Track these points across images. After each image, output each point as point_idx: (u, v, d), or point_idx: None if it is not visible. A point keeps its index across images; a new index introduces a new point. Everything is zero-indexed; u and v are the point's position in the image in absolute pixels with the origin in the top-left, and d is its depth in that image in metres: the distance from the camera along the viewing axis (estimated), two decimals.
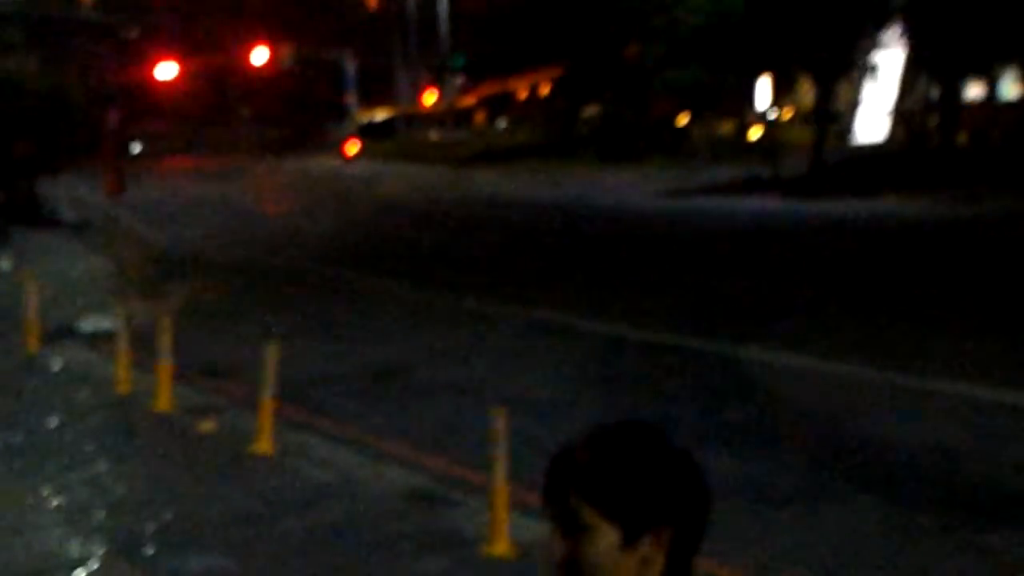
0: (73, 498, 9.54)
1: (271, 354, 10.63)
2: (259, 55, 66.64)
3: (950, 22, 38.49)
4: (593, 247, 27.03)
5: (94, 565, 8.16)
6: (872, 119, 52.08)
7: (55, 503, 9.45)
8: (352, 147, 70.23)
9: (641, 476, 2.23)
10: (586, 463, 2.24)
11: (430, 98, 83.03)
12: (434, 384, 13.52)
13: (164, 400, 12.32)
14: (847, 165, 41.88)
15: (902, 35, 43.62)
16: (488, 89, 77.28)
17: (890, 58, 48.31)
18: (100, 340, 15.93)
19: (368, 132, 76.79)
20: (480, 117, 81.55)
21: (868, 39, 44.32)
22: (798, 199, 35.29)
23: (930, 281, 20.14)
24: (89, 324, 17.22)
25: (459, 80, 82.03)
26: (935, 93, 45.38)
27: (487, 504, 8.28)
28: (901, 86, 50.68)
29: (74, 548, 8.46)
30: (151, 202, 41.83)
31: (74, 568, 8.10)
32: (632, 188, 41.61)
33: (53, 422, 11.97)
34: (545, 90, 70.81)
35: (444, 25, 79.97)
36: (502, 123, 78.64)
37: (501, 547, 8.07)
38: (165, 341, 12.36)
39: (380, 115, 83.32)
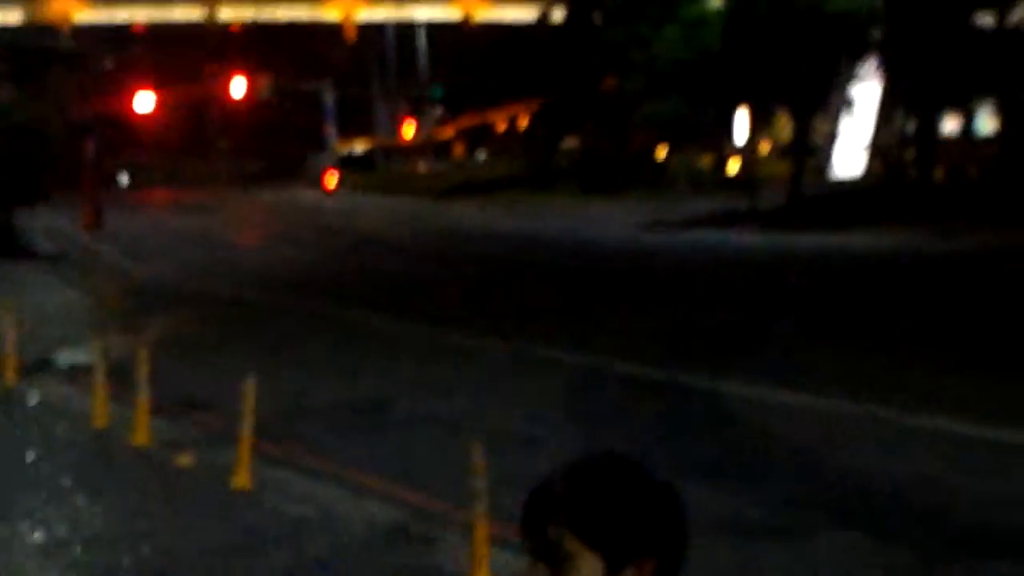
0: (50, 532, 9.46)
1: (249, 388, 10.58)
2: (238, 86, 66.59)
3: (926, 56, 38.77)
4: (573, 280, 27.04)
5: None
6: (849, 153, 52.37)
7: (32, 537, 9.37)
8: (331, 179, 70.27)
9: (624, 506, 2.21)
10: (567, 493, 2.22)
11: (409, 130, 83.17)
12: (413, 417, 13.47)
13: (142, 434, 12.24)
14: (825, 199, 42.10)
15: (878, 68, 43.92)
16: (467, 121, 77.51)
17: (867, 92, 48.62)
18: (77, 373, 15.84)
19: (347, 164, 76.85)
20: (459, 149, 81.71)
21: (845, 73, 44.61)
22: (776, 232, 35.42)
23: (908, 315, 20.20)
24: (66, 357, 17.13)
25: (438, 112, 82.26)
26: (912, 127, 45.66)
27: (467, 539, 8.24)
28: (878, 120, 51.00)
29: None
30: (132, 235, 41.72)
31: None
32: (612, 221, 41.70)
33: (30, 456, 11.88)
34: (524, 122, 71.03)
35: (423, 57, 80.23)
36: (482, 155, 78.80)
37: None
38: (143, 374, 12.30)
39: (359, 147, 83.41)
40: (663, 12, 44.48)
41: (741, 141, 58.25)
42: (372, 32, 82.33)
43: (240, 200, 62.16)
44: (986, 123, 48.47)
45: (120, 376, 13.76)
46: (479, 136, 78.98)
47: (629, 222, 40.22)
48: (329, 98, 77.56)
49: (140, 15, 77.50)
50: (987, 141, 47.37)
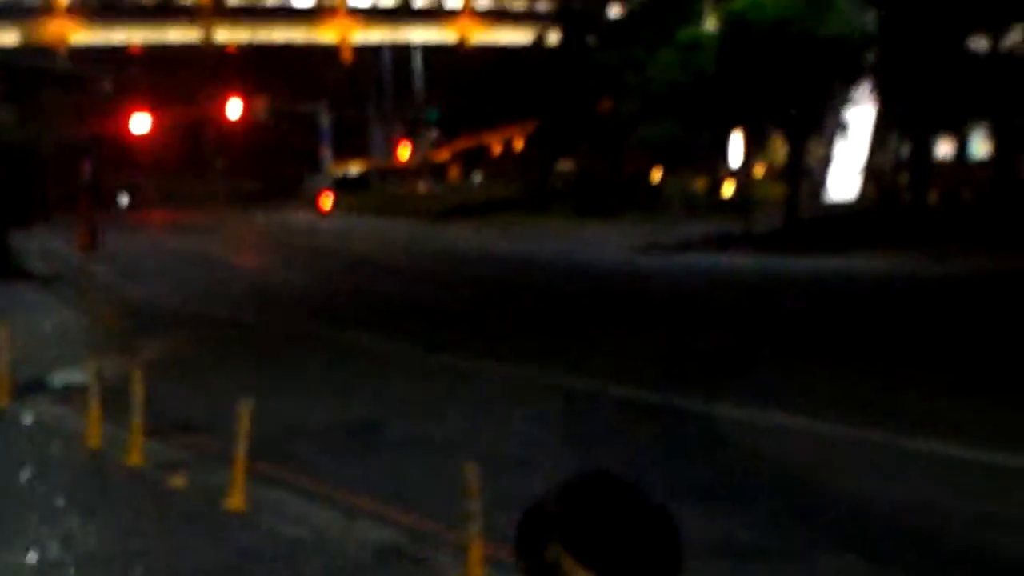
0: (44, 553, 9.45)
1: (244, 410, 10.58)
2: (234, 108, 66.71)
3: (920, 79, 38.90)
4: (568, 302, 27.05)
5: None
6: (844, 176, 52.48)
7: (26, 558, 9.36)
8: (327, 201, 70.31)
9: (618, 524, 2.22)
10: (562, 512, 2.23)
11: (404, 152, 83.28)
12: (407, 439, 13.47)
13: (136, 455, 12.23)
14: (819, 222, 42.17)
15: (873, 92, 44.05)
16: (462, 143, 77.61)
17: (861, 115, 48.75)
18: (72, 394, 15.82)
19: (343, 185, 76.95)
20: (454, 171, 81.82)
21: (839, 96, 44.75)
22: (771, 255, 35.46)
23: (901, 338, 20.22)
24: (61, 378, 17.12)
25: (433, 134, 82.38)
26: (906, 151, 45.77)
27: (459, 559, 8.24)
28: (872, 143, 51.13)
29: None
30: (129, 255, 41.70)
31: None
32: (607, 243, 41.74)
33: (24, 476, 11.87)
34: (520, 145, 71.16)
35: (419, 79, 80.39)
36: (477, 177, 78.91)
37: None
38: (137, 395, 12.29)
39: (354, 168, 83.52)
40: (658, 35, 44.66)
41: (736, 164, 58.38)
42: (368, 54, 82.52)
43: (238, 221, 62.17)
44: (980, 147, 48.60)
45: (115, 397, 13.74)
46: (475, 158, 79.10)
47: (624, 244, 40.25)
48: (325, 120, 77.68)
49: (137, 36, 77.63)
50: (981, 165, 47.49)
